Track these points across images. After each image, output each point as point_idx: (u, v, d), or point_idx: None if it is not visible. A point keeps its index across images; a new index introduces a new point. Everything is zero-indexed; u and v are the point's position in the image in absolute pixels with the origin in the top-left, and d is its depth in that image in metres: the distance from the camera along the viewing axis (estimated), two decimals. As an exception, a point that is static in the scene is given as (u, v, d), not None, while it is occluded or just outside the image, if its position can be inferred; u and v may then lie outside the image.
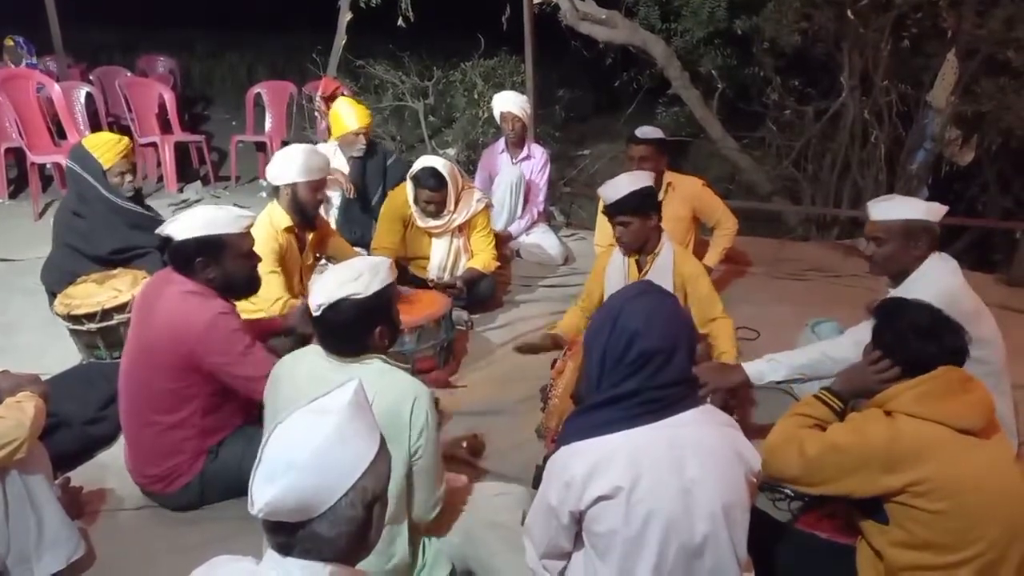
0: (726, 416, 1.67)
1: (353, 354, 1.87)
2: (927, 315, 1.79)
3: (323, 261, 3.75)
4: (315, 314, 1.84)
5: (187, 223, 2.29)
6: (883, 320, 1.86)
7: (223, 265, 2.32)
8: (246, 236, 2.38)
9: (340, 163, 4.40)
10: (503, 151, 4.86)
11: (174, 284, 2.30)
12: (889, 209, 2.41)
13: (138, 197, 3.68)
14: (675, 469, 1.51)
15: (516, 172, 4.73)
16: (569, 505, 1.54)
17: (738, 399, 2.83)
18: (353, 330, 1.85)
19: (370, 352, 1.88)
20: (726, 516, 1.53)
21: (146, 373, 2.31)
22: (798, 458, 1.79)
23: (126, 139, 3.62)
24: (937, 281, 2.29)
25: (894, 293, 2.34)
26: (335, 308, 1.82)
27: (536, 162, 4.85)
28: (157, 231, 2.33)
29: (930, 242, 2.37)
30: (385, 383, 1.81)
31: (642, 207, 2.88)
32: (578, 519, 1.57)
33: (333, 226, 4.04)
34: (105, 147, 3.51)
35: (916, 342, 1.76)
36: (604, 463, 1.51)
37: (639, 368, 1.54)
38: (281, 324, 2.81)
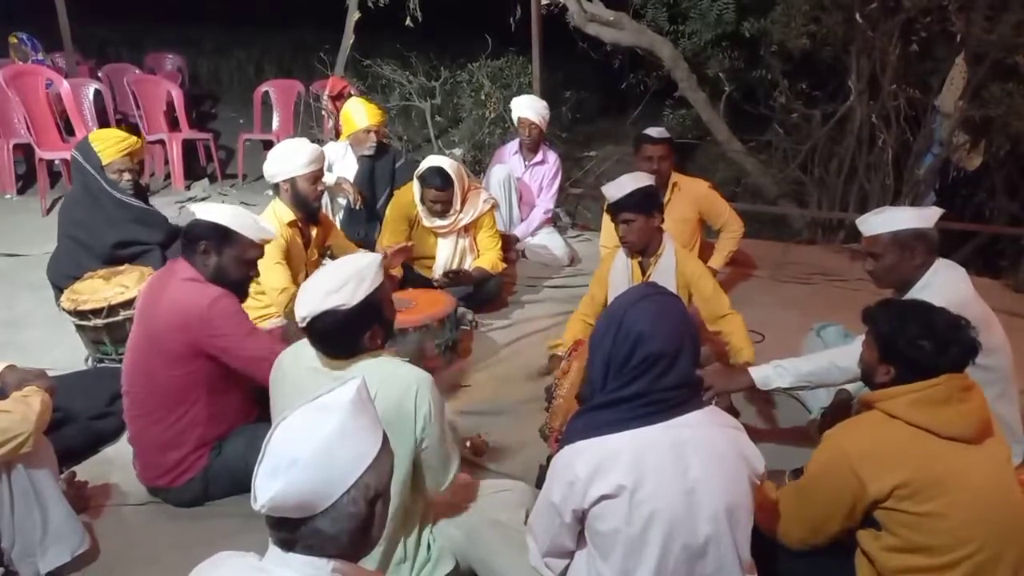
0: (730, 418, 1.67)
1: (345, 357, 1.85)
2: (942, 319, 1.75)
3: (327, 260, 3.76)
4: (300, 325, 1.81)
5: (214, 209, 2.37)
6: (893, 320, 1.80)
7: (221, 257, 2.34)
8: (256, 246, 2.40)
9: (351, 162, 4.40)
10: (516, 152, 4.86)
11: (176, 274, 2.34)
12: (878, 223, 2.40)
13: (141, 194, 3.71)
14: (678, 470, 1.51)
15: (505, 169, 4.73)
16: (572, 504, 1.55)
17: (757, 402, 2.86)
18: (342, 337, 1.82)
19: (363, 353, 1.86)
20: (729, 517, 1.53)
21: (151, 364, 2.33)
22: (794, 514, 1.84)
23: (133, 138, 3.65)
24: (946, 290, 2.27)
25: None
26: (321, 319, 1.77)
27: (548, 167, 4.85)
28: (190, 208, 2.40)
29: (927, 249, 2.35)
30: (386, 376, 1.80)
31: (646, 205, 2.89)
32: (581, 518, 1.57)
33: (338, 226, 4.05)
34: (107, 143, 3.55)
35: (928, 346, 1.71)
36: (608, 462, 1.51)
37: (644, 371, 1.54)
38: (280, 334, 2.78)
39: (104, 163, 3.52)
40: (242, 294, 2.46)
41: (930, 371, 1.71)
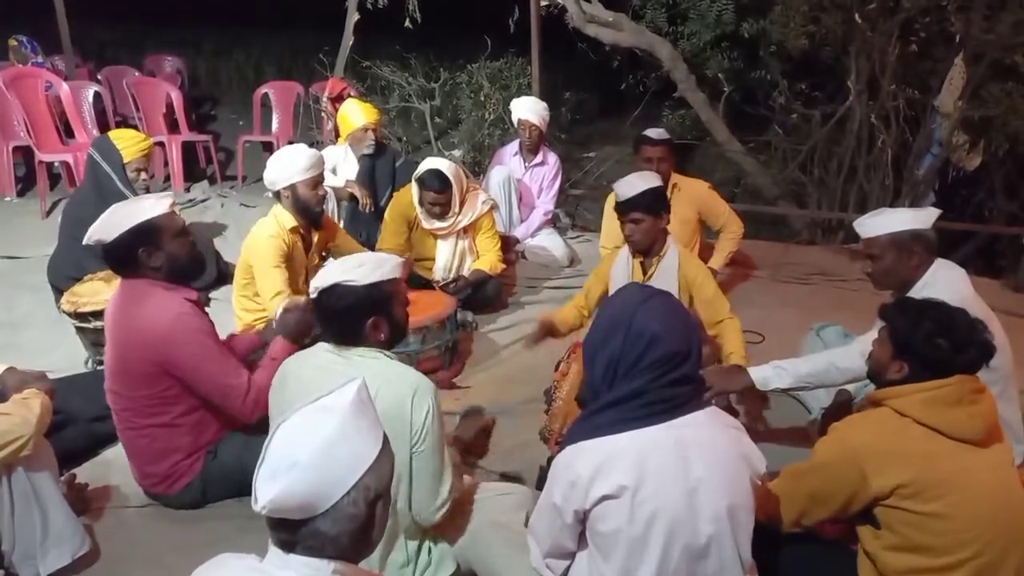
0: (732, 418, 1.67)
1: (349, 343, 1.89)
2: (960, 320, 1.74)
3: (330, 261, 3.76)
4: (312, 296, 1.89)
5: (111, 221, 2.25)
6: (911, 316, 1.78)
7: (165, 248, 2.27)
8: (173, 215, 2.34)
9: (351, 165, 4.39)
10: (516, 154, 4.87)
11: (134, 292, 2.30)
12: (875, 225, 2.39)
13: None
14: (680, 470, 1.51)
15: (505, 171, 4.74)
16: (574, 504, 1.55)
17: (747, 401, 2.84)
18: (346, 317, 1.87)
19: (365, 343, 1.89)
20: (731, 518, 1.53)
21: (124, 381, 2.31)
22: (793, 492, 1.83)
23: (151, 140, 3.85)
24: (945, 290, 2.25)
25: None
26: (330, 292, 1.86)
27: (549, 168, 4.87)
28: (84, 241, 2.29)
29: (926, 249, 2.35)
30: (387, 378, 1.81)
31: (655, 205, 2.89)
32: (582, 519, 1.57)
33: (341, 227, 4.04)
34: (130, 141, 3.71)
35: (945, 345, 1.70)
36: (609, 462, 1.51)
37: (657, 371, 1.53)
38: (260, 340, 2.71)
39: (125, 160, 3.65)
40: (199, 264, 2.47)
41: (943, 371, 1.70)
